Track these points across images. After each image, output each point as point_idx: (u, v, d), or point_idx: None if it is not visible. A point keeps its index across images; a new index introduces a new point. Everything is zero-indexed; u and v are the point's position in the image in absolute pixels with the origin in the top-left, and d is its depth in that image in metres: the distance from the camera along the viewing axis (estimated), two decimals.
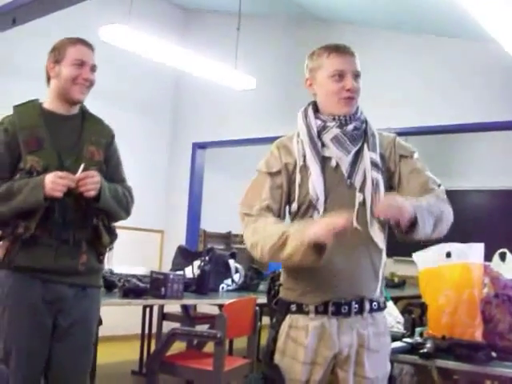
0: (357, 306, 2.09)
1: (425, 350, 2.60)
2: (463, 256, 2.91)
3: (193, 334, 4.25)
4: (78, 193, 2.47)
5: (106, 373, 5.61)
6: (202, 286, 4.73)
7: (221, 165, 8.79)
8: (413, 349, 2.68)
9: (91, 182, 2.47)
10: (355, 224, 2.07)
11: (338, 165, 2.11)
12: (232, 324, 3.50)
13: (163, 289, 4.08)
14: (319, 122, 2.15)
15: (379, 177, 2.12)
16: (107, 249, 2.68)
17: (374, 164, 2.12)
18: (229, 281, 5.24)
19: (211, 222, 8.53)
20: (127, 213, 2.73)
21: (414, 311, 3.08)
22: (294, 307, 2.12)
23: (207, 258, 5.05)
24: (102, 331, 2.75)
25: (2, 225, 2.50)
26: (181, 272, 4.79)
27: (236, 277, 5.31)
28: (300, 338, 2.08)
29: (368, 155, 2.12)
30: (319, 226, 1.86)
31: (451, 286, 2.86)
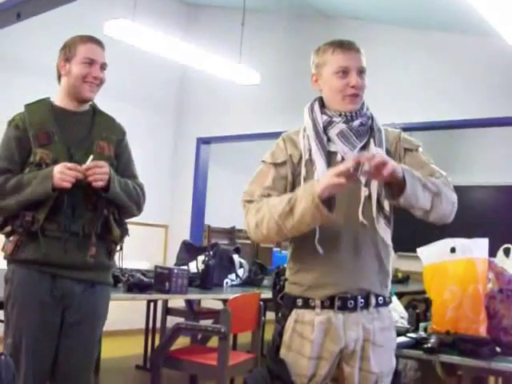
0: (363, 300, 2.09)
1: (429, 345, 2.60)
2: (468, 251, 2.90)
3: (197, 329, 4.26)
4: (87, 183, 2.47)
5: (111, 367, 5.64)
6: (206, 281, 4.74)
7: (225, 160, 8.80)
8: (417, 344, 2.69)
9: (99, 171, 2.47)
10: (361, 219, 2.07)
11: (343, 159, 2.10)
12: (236, 319, 3.51)
13: (167, 283, 4.08)
14: (325, 117, 2.15)
15: None
16: (117, 244, 2.68)
17: None
18: (233, 276, 5.24)
19: (215, 217, 8.54)
20: (139, 208, 2.72)
21: (419, 306, 3.07)
22: (299, 302, 2.12)
23: (211, 252, 5.05)
24: (106, 326, 2.75)
25: (12, 218, 2.51)
26: (185, 267, 4.81)
27: (240, 272, 5.32)
28: (306, 333, 2.08)
29: (374, 150, 2.11)
30: (326, 179, 1.89)
31: (455, 281, 2.86)
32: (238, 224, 8.69)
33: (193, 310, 5.60)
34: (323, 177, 1.94)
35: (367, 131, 2.16)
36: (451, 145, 8.77)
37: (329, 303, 2.08)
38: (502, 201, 8.89)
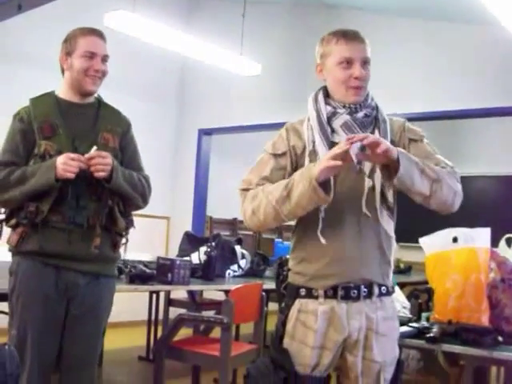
0: (366, 290, 2.09)
1: (431, 335, 2.60)
2: (470, 241, 2.90)
3: (200, 320, 4.27)
4: (90, 174, 2.47)
5: (113, 359, 5.65)
6: (208, 272, 4.74)
7: (226, 151, 8.79)
8: (419, 333, 2.68)
9: (102, 162, 2.47)
10: (364, 210, 2.07)
11: None
12: (238, 310, 3.52)
13: (170, 275, 4.08)
14: (329, 108, 2.14)
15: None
16: (122, 236, 2.68)
17: None
18: (235, 267, 5.25)
19: (217, 209, 8.54)
20: (144, 200, 2.71)
21: (421, 296, 3.08)
22: (303, 291, 2.12)
23: (213, 243, 5.05)
24: (109, 317, 2.76)
25: (17, 211, 2.51)
26: (187, 258, 4.81)
27: (242, 263, 5.32)
28: (309, 322, 2.09)
29: None
30: (323, 162, 1.91)
31: (458, 271, 2.86)
32: (239, 215, 8.67)
33: (195, 301, 5.61)
34: (320, 160, 1.96)
35: (372, 122, 2.15)
36: (452, 135, 8.75)
37: (332, 293, 2.08)
38: (504, 191, 8.90)
